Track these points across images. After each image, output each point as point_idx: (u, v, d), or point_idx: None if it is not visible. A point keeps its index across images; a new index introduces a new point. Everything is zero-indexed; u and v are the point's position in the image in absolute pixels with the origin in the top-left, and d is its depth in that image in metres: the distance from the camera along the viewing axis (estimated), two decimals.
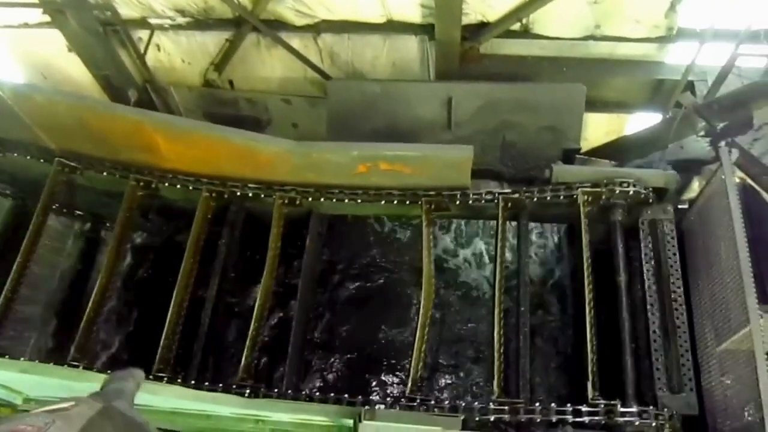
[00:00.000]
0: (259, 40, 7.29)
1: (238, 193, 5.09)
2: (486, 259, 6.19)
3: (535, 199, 4.83)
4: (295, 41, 7.14)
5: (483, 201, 4.90)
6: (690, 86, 6.13)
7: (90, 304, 4.74)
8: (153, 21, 7.24)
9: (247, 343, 4.53)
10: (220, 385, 4.39)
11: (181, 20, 7.20)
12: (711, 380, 4.39)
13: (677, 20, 6.15)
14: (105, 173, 5.11)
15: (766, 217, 5.43)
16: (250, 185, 5.09)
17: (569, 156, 5.65)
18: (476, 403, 4.07)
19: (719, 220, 4.46)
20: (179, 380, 4.43)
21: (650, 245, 4.77)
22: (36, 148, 5.15)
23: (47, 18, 6.89)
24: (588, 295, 4.45)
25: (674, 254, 4.76)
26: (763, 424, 3.61)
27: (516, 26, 6.49)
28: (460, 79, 6.46)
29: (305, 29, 7.03)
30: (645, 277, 4.65)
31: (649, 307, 4.57)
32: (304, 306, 5.27)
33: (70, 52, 7.32)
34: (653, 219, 4.80)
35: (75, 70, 7.56)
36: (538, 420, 4.02)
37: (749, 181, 4.79)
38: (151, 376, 4.35)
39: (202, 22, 7.21)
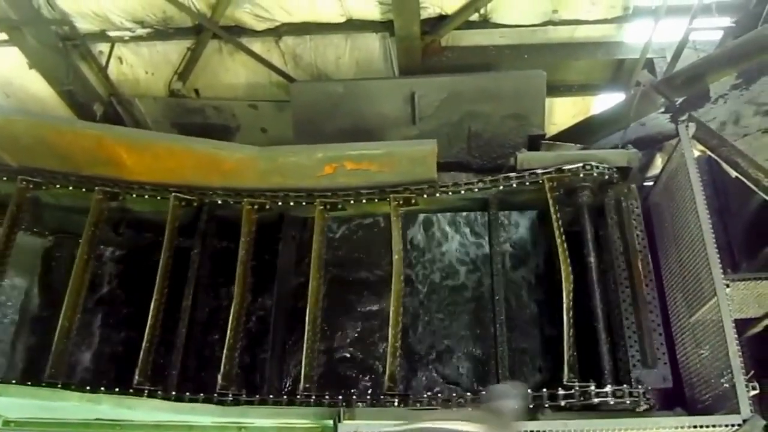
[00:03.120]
0: (221, 47, 7.25)
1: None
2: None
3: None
4: (257, 46, 7.11)
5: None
6: (650, 63, 6.18)
7: (60, 321, 4.69)
8: (112, 33, 7.16)
9: (225, 352, 4.52)
10: (202, 394, 4.37)
11: (140, 31, 7.13)
12: (686, 351, 4.47)
13: None
14: (70, 187, 5.06)
15: (730, 187, 5.54)
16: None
17: (535, 142, 5.69)
18: (454, 395, 4.10)
19: (683, 194, 4.53)
20: (159, 392, 4.41)
21: (617, 225, 4.84)
22: None
23: (4, 36, 6.80)
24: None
25: (642, 231, 4.84)
26: None
27: (475, 16, 6.51)
28: (424, 73, 6.47)
29: (266, 33, 7.00)
30: (614, 257, 4.71)
31: (619, 286, 4.65)
32: (281, 309, 5.28)
33: (31, 69, 7.23)
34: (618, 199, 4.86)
35: (38, 87, 7.44)
36: None
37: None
38: (131, 390, 4.36)
39: (162, 32, 7.14)
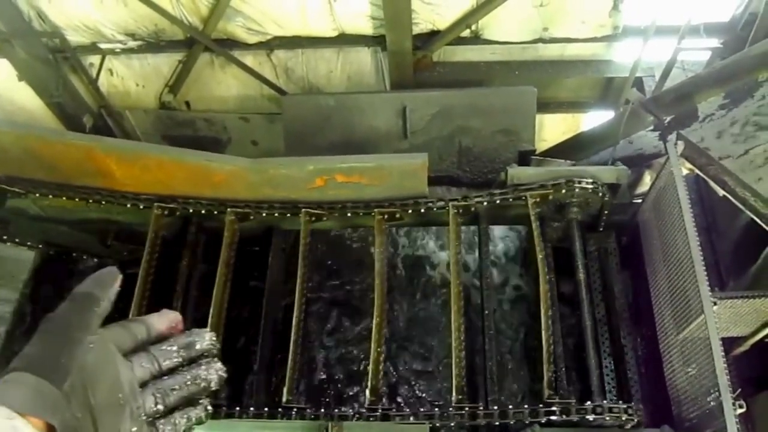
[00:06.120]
0: (212, 60, 7.28)
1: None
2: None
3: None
4: (249, 59, 7.14)
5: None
6: (638, 82, 6.27)
7: None
8: (103, 46, 7.17)
9: (371, 366, 4.27)
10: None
11: (132, 44, 7.15)
12: (673, 369, 4.47)
13: (621, 19, 6.31)
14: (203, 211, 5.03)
15: (718, 205, 5.58)
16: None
17: (525, 157, 5.72)
18: (437, 410, 4.06)
19: (671, 212, 4.55)
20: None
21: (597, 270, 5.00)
22: None
23: None
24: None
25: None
26: None
27: (466, 33, 6.59)
28: (415, 88, 6.53)
29: (258, 46, 7.04)
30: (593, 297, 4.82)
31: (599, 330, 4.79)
32: (269, 322, 5.23)
33: (21, 81, 7.21)
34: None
35: (27, 98, 7.43)
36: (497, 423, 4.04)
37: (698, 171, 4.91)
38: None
39: (153, 45, 7.17)
